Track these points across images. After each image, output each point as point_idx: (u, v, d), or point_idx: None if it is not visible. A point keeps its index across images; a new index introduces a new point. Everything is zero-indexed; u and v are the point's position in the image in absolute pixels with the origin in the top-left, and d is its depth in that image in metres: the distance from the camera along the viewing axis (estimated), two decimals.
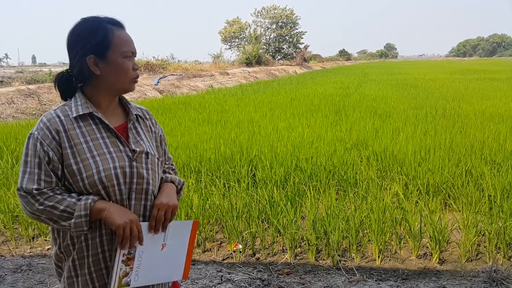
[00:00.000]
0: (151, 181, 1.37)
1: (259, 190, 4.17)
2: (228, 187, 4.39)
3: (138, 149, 1.35)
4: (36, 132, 1.26)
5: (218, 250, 3.51)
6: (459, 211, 3.83)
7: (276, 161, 5.02)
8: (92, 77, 1.32)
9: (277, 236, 3.55)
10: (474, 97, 11.89)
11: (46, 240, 3.73)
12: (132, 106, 1.45)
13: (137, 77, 1.39)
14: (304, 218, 3.87)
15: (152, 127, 1.49)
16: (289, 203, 3.82)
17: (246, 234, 3.46)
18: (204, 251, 3.48)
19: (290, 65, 46.25)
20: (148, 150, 1.39)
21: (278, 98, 12.36)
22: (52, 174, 1.25)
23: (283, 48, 55.51)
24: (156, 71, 22.92)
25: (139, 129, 1.42)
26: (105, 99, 1.36)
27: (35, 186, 1.22)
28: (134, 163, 1.33)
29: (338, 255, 3.26)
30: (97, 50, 1.29)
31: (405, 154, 5.26)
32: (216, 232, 3.76)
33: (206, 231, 3.64)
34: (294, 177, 4.55)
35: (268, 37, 55.39)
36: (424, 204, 3.88)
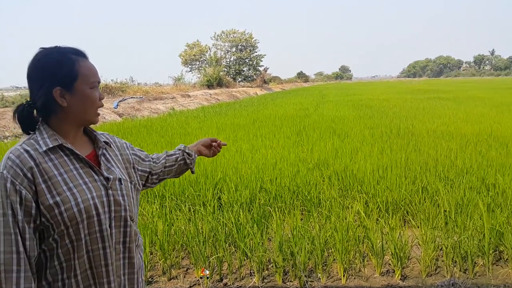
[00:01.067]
0: (127, 207, 1.36)
1: (225, 213, 4.17)
2: (193, 211, 4.35)
3: (111, 176, 1.35)
4: (5, 171, 1.20)
5: (185, 277, 3.44)
6: (418, 227, 3.99)
7: (241, 183, 5.04)
8: (58, 109, 1.29)
9: (244, 260, 3.54)
10: (426, 116, 12.54)
11: None
12: (98, 134, 1.44)
13: (102, 106, 1.40)
14: (270, 240, 3.89)
15: (115, 150, 1.49)
16: (255, 226, 3.84)
17: (213, 259, 3.43)
18: (170, 279, 3.41)
19: (251, 87, 46.86)
20: (120, 176, 1.39)
21: (240, 120, 12.46)
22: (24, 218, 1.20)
23: (244, 71, 56.24)
24: (115, 94, 22.48)
25: (107, 155, 1.42)
26: (71, 130, 1.34)
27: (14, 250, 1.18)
28: (110, 191, 1.32)
29: (305, 275, 3.30)
30: (63, 82, 1.27)
31: (364, 172, 5.44)
32: (182, 258, 3.70)
33: (172, 258, 3.57)
34: (260, 199, 4.59)
35: (228, 60, 55.99)
36: (385, 222, 4.03)
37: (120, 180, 1.37)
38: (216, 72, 40.15)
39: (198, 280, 3.35)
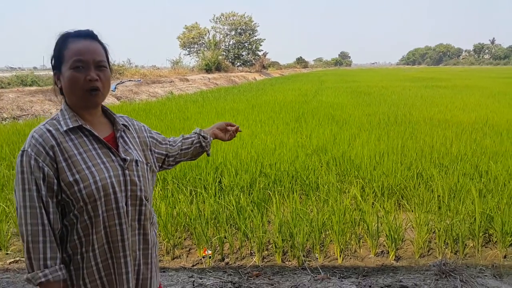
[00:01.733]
0: (143, 188, 1.45)
1: (226, 196, 4.30)
2: (195, 194, 4.48)
3: (128, 158, 1.42)
4: (29, 149, 1.28)
5: (187, 256, 3.59)
6: (412, 211, 4.14)
7: (241, 167, 5.17)
8: (62, 91, 1.40)
9: (245, 241, 3.68)
10: (423, 104, 12.65)
11: (7, 253, 3.65)
12: (117, 116, 1.50)
13: (93, 88, 1.34)
14: (269, 222, 4.03)
15: (134, 133, 1.55)
16: (255, 208, 3.97)
17: (215, 239, 3.57)
18: (173, 258, 3.55)
19: (250, 72, 46.71)
20: (137, 158, 1.46)
21: (239, 105, 12.53)
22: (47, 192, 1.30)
23: (243, 55, 55.96)
24: (112, 77, 22.32)
25: (126, 138, 1.48)
26: (80, 112, 1.40)
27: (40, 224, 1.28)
28: (127, 171, 1.40)
29: (303, 255, 3.45)
30: (56, 65, 1.37)
31: (362, 158, 5.57)
32: (185, 239, 3.84)
33: (175, 238, 3.71)
34: (259, 183, 4.72)
35: (227, 44, 55.65)
36: (380, 206, 4.17)
37: (136, 161, 1.45)
38: (215, 56, 39.95)
39: (201, 259, 3.50)
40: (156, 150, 1.65)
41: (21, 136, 7.69)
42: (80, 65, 1.33)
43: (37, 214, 1.27)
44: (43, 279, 1.26)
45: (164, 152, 1.69)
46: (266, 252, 3.60)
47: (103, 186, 1.33)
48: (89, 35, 1.38)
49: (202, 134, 1.82)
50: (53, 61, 1.38)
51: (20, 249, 3.73)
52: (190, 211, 3.97)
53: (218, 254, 3.56)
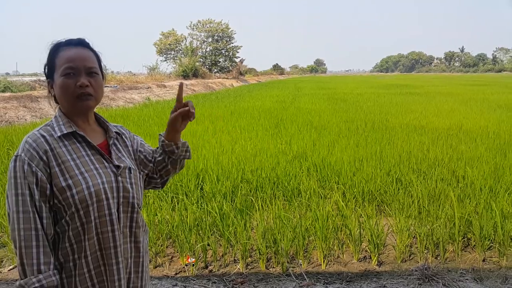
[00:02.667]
0: (135, 195, 1.43)
1: (208, 202, 4.25)
2: (176, 201, 4.41)
3: (121, 165, 1.41)
4: (22, 154, 1.29)
5: (170, 264, 3.52)
6: (392, 216, 4.20)
7: (223, 174, 5.13)
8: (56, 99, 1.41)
9: (228, 248, 3.64)
10: (399, 111, 12.93)
11: None
12: (110, 125, 1.50)
13: (83, 94, 1.34)
14: (252, 229, 4.00)
15: (127, 141, 1.54)
16: (238, 215, 3.94)
17: (199, 247, 3.51)
18: (156, 267, 3.47)
19: (227, 78, 46.74)
20: (130, 166, 1.45)
21: (218, 112, 12.49)
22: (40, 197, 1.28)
23: (220, 62, 55.95)
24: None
25: (119, 146, 1.48)
26: (73, 118, 1.40)
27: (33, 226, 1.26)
28: (119, 178, 1.39)
29: (287, 262, 3.44)
30: (48, 74, 1.39)
31: (341, 164, 5.62)
32: (167, 247, 3.76)
33: (157, 246, 3.63)
34: (241, 189, 4.68)
35: (204, 50, 55.51)
36: (361, 211, 4.21)
37: (130, 169, 1.44)
38: (192, 63, 39.82)
39: (184, 267, 3.43)
40: (144, 170, 1.56)
41: None
42: (70, 72, 1.34)
43: (30, 218, 1.26)
44: (37, 285, 1.23)
45: (149, 173, 1.59)
46: (249, 259, 3.56)
47: (96, 192, 1.32)
48: (80, 43, 1.40)
49: (166, 149, 1.54)
50: (46, 70, 1.40)
51: (1, 259, 3.58)
52: (172, 218, 3.90)
53: (202, 262, 3.50)
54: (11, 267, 3.48)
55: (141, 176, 1.52)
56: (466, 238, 3.84)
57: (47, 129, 1.36)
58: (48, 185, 1.29)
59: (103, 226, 1.34)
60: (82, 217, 1.31)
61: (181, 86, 1.50)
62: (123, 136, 1.54)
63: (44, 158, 1.29)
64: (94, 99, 1.38)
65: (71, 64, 1.34)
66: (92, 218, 1.32)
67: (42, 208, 1.28)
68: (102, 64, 1.46)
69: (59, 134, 1.33)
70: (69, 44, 1.38)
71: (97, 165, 1.36)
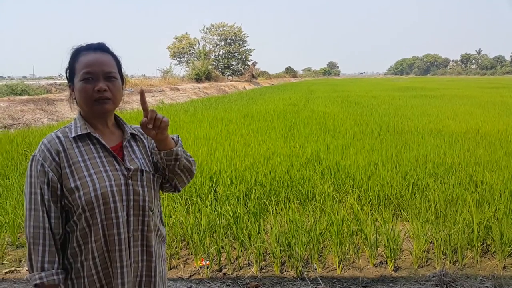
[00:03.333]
0: (147, 198, 1.42)
1: (222, 205, 4.24)
2: (190, 204, 4.41)
3: (132, 167, 1.40)
4: (38, 154, 1.34)
5: (184, 266, 3.52)
6: (409, 221, 4.13)
7: (236, 177, 5.12)
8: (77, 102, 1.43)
9: (242, 251, 3.62)
10: (414, 114, 12.76)
11: (2, 263, 3.56)
12: (127, 126, 1.51)
13: (101, 98, 1.35)
14: (266, 232, 3.98)
15: (145, 141, 1.54)
16: (252, 218, 3.92)
17: (213, 249, 3.50)
18: (170, 268, 3.48)
19: (239, 81, 46.82)
20: (143, 168, 1.44)
21: (231, 115, 12.50)
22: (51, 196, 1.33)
23: (232, 65, 56.19)
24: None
25: (134, 147, 1.47)
26: (93, 121, 1.42)
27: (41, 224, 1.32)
28: (130, 181, 1.39)
29: (302, 266, 3.40)
30: (70, 78, 1.43)
31: (356, 168, 5.57)
32: (181, 249, 3.76)
33: (171, 248, 3.63)
34: (255, 192, 4.67)
35: (217, 54, 55.81)
36: (377, 215, 4.15)
37: (142, 171, 1.43)
38: (205, 66, 40.01)
39: (198, 269, 3.42)
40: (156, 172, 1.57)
41: (13, 145, 7.55)
42: (89, 76, 1.36)
43: (39, 217, 1.31)
44: (38, 281, 1.29)
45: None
46: (263, 262, 3.54)
47: (103, 194, 1.33)
48: (99, 48, 1.42)
49: (160, 161, 1.46)
50: (67, 74, 1.44)
51: (15, 259, 3.63)
52: (186, 220, 3.90)
53: (216, 264, 3.49)
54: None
55: (155, 178, 1.49)
56: (485, 244, 3.75)
57: (64, 130, 1.39)
58: (59, 186, 1.32)
59: (109, 228, 1.35)
60: (88, 218, 1.33)
61: (141, 93, 1.35)
62: (141, 137, 1.53)
63: (57, 158, 1.32)
64: (112, 103, 1.40)
65: (89, 69, 1.36)
66: (98, 220, 1.33)
67: (51, 208, 1.32)
68: (122, 68, 1.48)
69: (73, 135, 1.36)
70: (89, 49, 1.40)
71: (107, 167, 1.37)
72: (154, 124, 1.31)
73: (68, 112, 14.26)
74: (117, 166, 1.38)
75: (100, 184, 1.33)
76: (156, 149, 1.43)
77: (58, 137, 1.36)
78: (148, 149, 1.53)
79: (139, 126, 1.44)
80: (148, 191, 1.44)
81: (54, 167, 1.32)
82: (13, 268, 3.46)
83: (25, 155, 6.92)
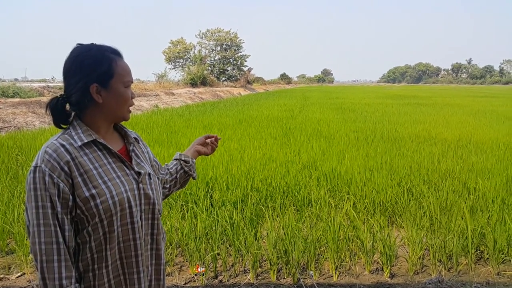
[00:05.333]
0: (156, 201, 1.43)
1: (218, 211, 4.23)
2: (186, 210, 4.39)
3: (142, 171, 1.41)
4: (42, 165, 1.24)
5: (179, 274, 3.49)
6: (403, 227, 4.15)
7: (232, 182, 5.11)
8: (92, 104, 1.33)
9: (238, 257, 3.61)
10: (407, 121, 12.86)
11: None
12: (128, 130, 1.50)
13: (133, 105, 1.44)
14: (262, 238, 3.97)
15: (144, 148, 1.55)
16: (249, 224, 3.92)
17: (209, 256, 3.49)
18: (165, 276, 3.45)
19: (235, 87, 46.87)
20: (150, 172, 1.45)
21: (226, 120, 12.51)
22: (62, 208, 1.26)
23: (228, 70, 56.33)
24: None
25: (137, 151, 1.47)
26: (103, 126, 1.39)
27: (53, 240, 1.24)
28: (141, 185, 1.38)
29: (298, 273, 3.40)
30: (101, 79, 1.32)
31: (352, 174, 5.59)
32: (176, 256, 3.74)
33: (166, 255, 3.61)
34: (251, 198, 4.67)
35: (212, 59, 55.93)
36: (373, 222, 4.17)
37: (149, 175, 1.44)
38: (200, 71, 40.02)
39: (193, 277, 3.41)
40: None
41: (4, 149, 7.45)
42: (130, 84, 1.40)
43: (51, 232, 1.22)
44: None
45: (162, 181, 1.68)
46: (260, 269, 3.53)
47: (120, 201, 1.31)
48: (122, 55, 1.42)
49: (183, 158, 1.78)
50: (95, 74, 1.31)
51: (4, 266, 3.58)
52: (182, 226, 3.89)
53: (211, 271, 3.48)
54: (19, 274, 3.47)
55: (159, 182, 1.52)
56: (479, 251, 3.79)
57: (66, 137, 1.31)
58: (71, 196, 1.26)
59: (125, 234, 1.33)
60: (105, 226, 1.29)
61: (217, 139, 1.90)
62: (140, 142, 1.55)
63: (66, 168, 1.25)
64: None
65: (130, 78, 1.40)
66: (115, 227, 1.31)
67: (64, 221, 1.25)
68: None
69: (79, 143, 1.30)
70: (118, 54, 1.38)
71: (119, 173, 1.34)
72: (213, 146, 1.86)
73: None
74: (127, 171, 1.37)
75: (116, 190, 1.30)
76: (186, 162, 1.77)
77: (63, 145, 1.28)
78: (147, 155, 1.54)
79: (134, 131, 1.57)
80: (157, 194, 1.45)
81: (64, 178, 1.24)
82: (1, 276, 3.41)
83: (16, 159, 6.85)
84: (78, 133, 1.32)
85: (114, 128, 1.47)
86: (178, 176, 1.75)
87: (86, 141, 1.31)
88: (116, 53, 1.38)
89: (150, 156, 1.57)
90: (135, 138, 1.51)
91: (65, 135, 1.32)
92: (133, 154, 1.44)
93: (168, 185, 1.72)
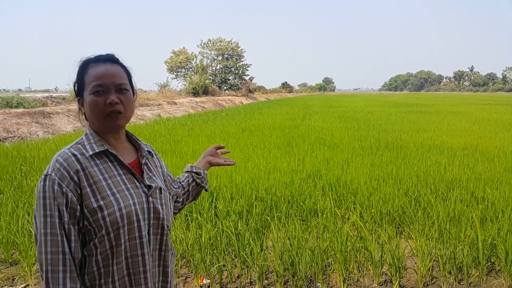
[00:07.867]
0: (165, 216, 1.38)
1: (223, 221, 4.17)
2: (190, 220, 4.33)
3: (153, 185, 1.36)
4: (53, 174, 1.22)
5: (184, 286, 3.42)
6: (412, 238, 4.07)
7: (237, 192, 5.05)
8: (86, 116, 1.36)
9: (244, 269, 3.54)
10: (412, 129, 12.80)
11: None
12: (142, 143, 1.46)
13: (114, 111, 1.30)
14: (267, 248, 3.90)
15: (157, 162, 1.51)
16: (254, 235, 3.85)
17: (215, 268, 3.42)
18: None
19: (236, 96, 46.99)
20: (161, 186, 1.41)
21: (229, 129, 12.48)
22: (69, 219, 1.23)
23: (229, 79, 56.55)
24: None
25: (149, 165, 1.43)
26: (105, 137, 1.35)
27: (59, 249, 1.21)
28: (150, 199, 1.34)
29: (305, 285, 3.32)
30: (78, 92, 1.35)
31: (358, 184, 5.52)
32: (181, 267, 3.67)
33: None
34: (256, 208, 4.60)
35: (214, 68, 56.18)
36: (381, 232, 4.09)
37: (160, 189, 1.39)
38: (202, 80, 40.16)
39: None
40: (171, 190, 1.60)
41: (8, 159, 7.43)
42: (100, 89, 1.30)
43: (57, 241, 1.19)
44: None
45: (175, 196, 1.64)
46: (266, 281, 3.46)
47: (127, 214, 1.26)
48: (109, 59, 1.35)
49: (194, 170, 1.76)
50: (76, 88, 1.36)
51: (8, 277, 3.53)
52: (186, 237, 3.82)
53: (217, 283, 3.40)
54: (23, 285, 3.41)
55: (170, 197, 1.48)
56: (490, 262, 3.70)
57: (78, 147, 1.30)
58: (79, 207, 1.23)
59: (132, 249, 1.29)
60: (112, 240, 1.25)
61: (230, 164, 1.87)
62: (154, 156, 1.51)
63: (75, 178, 1.23)
64: (124, 117, 1.34)
65: (100, 81, 1.29)
66: (122, 241, 1.26)
67: (71, 231, 1.22)
68: (132, 80, 1.42)
69: (91, 153, 1.28)
70: (98, 60, 1.33)
71: (128, 185, 1.31)
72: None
73: (64, 126, 14.18)
74: (137, 184, 1.33)
75: (124, 203, 1.26)
76: (198, 174, 1.74)
77: (74, 155, 1.26)
78: (160, 169, 1.50)
79: (149, 145, 1.54)
80: (166, 210, 1.40)
81: (73, 187, 1.22)
82: (5, 287, 3.36)
83: (20, 169, 6.81)
84: (91, 143, 1.31)
85: (128, 141, 1.45)
86: (190, 188, 1.73)
87: (97, 150, 1.29)
88: (98, 60, 1.34)
89: (164, 171, 1.53)
90: (149, 152, 1.47)
91: (78, 144, 1.32)
92: (145, 167, 1.41)
93: (181, 199, 1.69)
